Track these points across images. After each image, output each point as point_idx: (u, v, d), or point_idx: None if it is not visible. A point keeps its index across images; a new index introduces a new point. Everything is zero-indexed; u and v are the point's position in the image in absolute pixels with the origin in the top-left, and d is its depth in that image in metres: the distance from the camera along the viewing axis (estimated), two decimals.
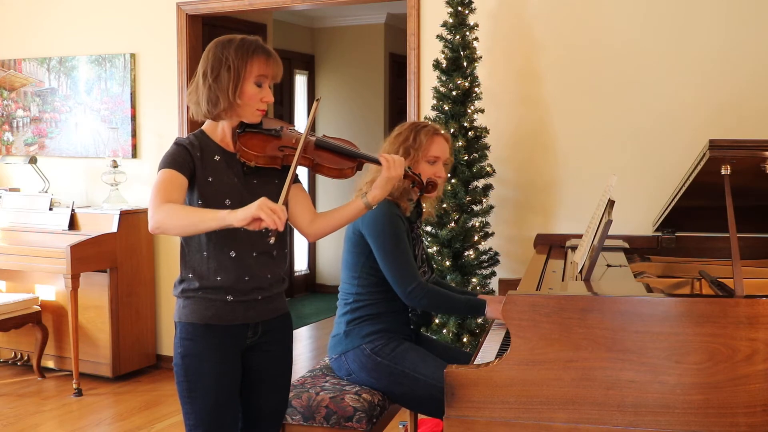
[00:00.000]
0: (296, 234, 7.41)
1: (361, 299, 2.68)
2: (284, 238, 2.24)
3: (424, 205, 2.83)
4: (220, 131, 2.17)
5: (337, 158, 2.20)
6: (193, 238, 2.13)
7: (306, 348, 5.80)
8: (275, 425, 2.35)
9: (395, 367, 2.60)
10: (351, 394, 2.57)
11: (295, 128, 2.25)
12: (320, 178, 7.55)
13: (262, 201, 1.88)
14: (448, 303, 2.67)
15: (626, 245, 3.03)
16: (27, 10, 5.35)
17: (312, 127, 2.15)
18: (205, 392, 2.14)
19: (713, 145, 2.11)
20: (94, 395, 4.52)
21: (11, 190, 5.31)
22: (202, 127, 2.19)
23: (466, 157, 3.69)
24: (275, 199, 2.07)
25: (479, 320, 3.64)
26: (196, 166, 2.09)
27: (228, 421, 2.19)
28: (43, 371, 4.84)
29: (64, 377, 4.82)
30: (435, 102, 3.74)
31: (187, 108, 3.83)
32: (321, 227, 2.27)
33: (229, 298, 2.14)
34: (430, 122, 2.74)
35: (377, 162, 2.23)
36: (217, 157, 2.14)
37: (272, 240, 1.95)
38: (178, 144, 2.11)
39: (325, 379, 2.73)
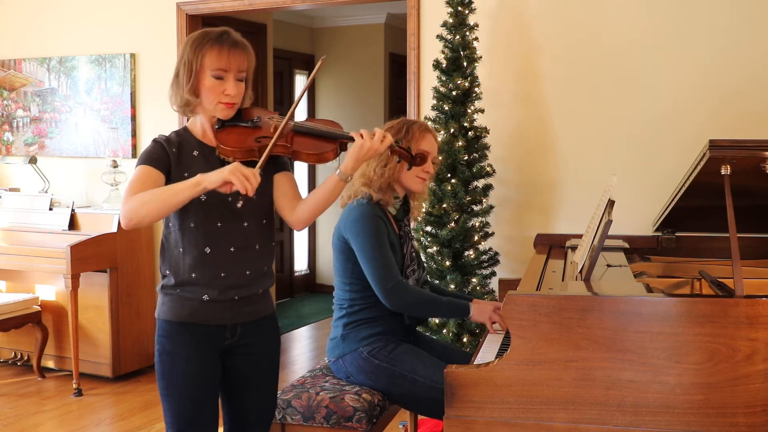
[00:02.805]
0: (297, 234, 7.43)
1: (356, 304, 2.67)
2: (269, 231, 2.21)
3: (412, 203, 2.83)
4: (200, 127, 2.16)
5: (315, 142, 2.13)
6: (171, 234, 2.12)
7: (306, 348, 5.80)
8: (263, 428, 2.32)
9: (393, 369, 2.59)
10: (351, 394, 2.57)
11: (279, 116, 2.19)
12: (320, 168, 7.49)
13: (235, 165, 1.93)
14: (429, 303, 2.62)
15: (626, 245, 3.03)
16: (27, 10, 5.35)
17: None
18: (180, 391, 2.13)
19: (713, 145, 2.11)
20: (94, 395, 4.52)
21: (11, 190, 5.31)
22: (186, 124, 2.19)
23: (466, 157, 3.69)
24: (259, 191, 2.02)
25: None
26: (172, 162, 2.08)
27: (205, 421, 2.17)
28: (43, 371, 4.83)
29: (64, 377, 4.82)
30: (435, 102, 3.74)
31: None
32: (303, 212, 2.17)
33: (205, 297, 2.12)
34: (420, 120, 2.74)
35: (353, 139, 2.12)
36: (195, 153, 2.13)
37: (239, 204, 2.00)
38: (155, 141, 2.11)
39: (325, 379, 2.73)
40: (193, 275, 2.11)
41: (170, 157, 2.08)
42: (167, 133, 2.15)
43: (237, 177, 1.91)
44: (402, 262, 2.67)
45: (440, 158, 3.64)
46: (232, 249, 2.13)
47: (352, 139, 2.11)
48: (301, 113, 7.51)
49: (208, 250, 2.10)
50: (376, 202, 2.63)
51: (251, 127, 2.13)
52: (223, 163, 2.11)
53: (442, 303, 2.64)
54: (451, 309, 2.65)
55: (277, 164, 2.22)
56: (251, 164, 2.10)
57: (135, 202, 1.95)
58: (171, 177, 2.07)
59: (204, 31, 2.12)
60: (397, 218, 2.73)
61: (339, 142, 2.13)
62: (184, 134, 2.15)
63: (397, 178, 2.67)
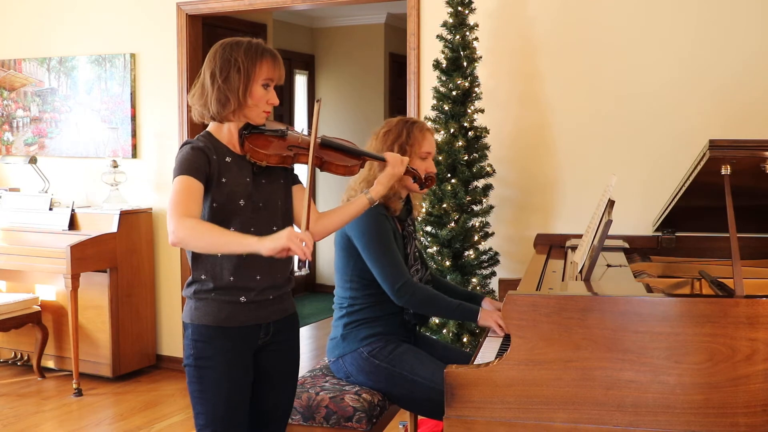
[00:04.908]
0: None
1: (356, 303, 2.67)
2: None
3: (414, 203, 2.83)
4: (226, 133, 2.18)
5: (343, 156, 2.26)
6: None
7: (306, 348, 5.79)
8: (283, 424, 2.37)
9: (393, 369, 2.59)
10: (351, 394, 2.57)
11: (296, 130, 2.28)
12: (320, 176, 7.54)
13: (290, 231, 1.93)
14: (438, 305, 2.62)
15: (626, 245, 3.03)
16: (27, 10, 5.35)
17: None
18: (216, 394, 2.16)
19: (713, 145, 2.11)
20: (94, 395, 4.52)
21: (11, 190, 5.31)
22: (208, 129, 2.20)
23: (466, 157, 3.69)
24: (282, 197, 2.17)
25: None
26: (212, 168, 2.10)
27: (239, 421, 2.20)
28: (43, 371, 4.84)
29: (64, 377, 4.82)
30: (435, 102, 3.74)
31: (188, 108, 3.84)
32: (325, 226, 2.28)
33: (243, 299, 2.15)
34: (415, 118, 2.74)
35: (382, 159, 2.30)
36: (228, 159, 2.15)
37: (303, 270, 1.99)
38: (195, 147, 2.10)
39: (325, 379, 2.73)
40: (232, 279, 2.14)
41: (211, 165, 2.10)
42: (197, 139, 2.15)
43: (295, 243, 1.92)
44: (405, 263, 2.67)
45: (440, 158, 3.65)
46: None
47: (377, 158, 2.31)
48: (301, 115, 7.52)
49: (245, 255, 2.12)
50: (382, 202, 2.63)
51: (279, 136, 2.20)
52: (253, 167, 2.16)
53: (452, 305, 2.62)
54: (460, 312, 2.64)
55: (293, 178, 2.30)
56: (278, 171, 2.20)
57: (188, 231, 1.98)
58: (209, 183, 2.09)
59: (249, 40, 2.16)
60: (400, 218, 2.73)
61: (362, 159, 2.29)
62: (212, 140, 2.16)
63: (401, 184, 2.67)
